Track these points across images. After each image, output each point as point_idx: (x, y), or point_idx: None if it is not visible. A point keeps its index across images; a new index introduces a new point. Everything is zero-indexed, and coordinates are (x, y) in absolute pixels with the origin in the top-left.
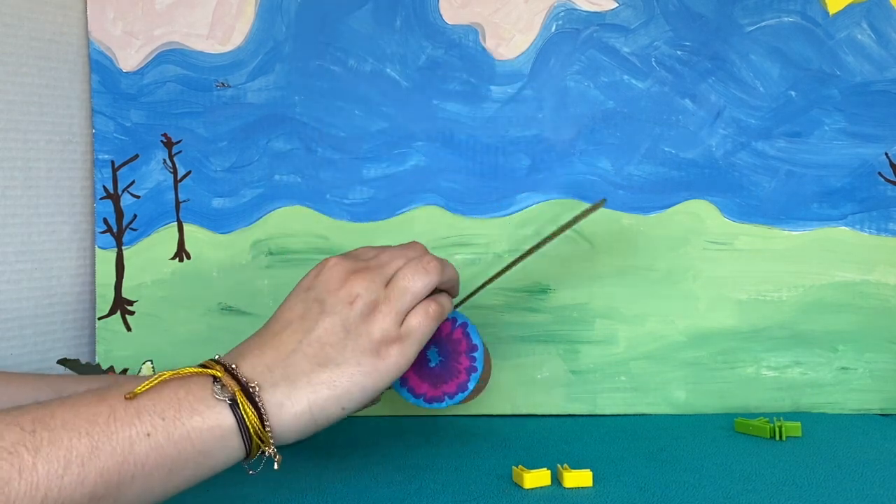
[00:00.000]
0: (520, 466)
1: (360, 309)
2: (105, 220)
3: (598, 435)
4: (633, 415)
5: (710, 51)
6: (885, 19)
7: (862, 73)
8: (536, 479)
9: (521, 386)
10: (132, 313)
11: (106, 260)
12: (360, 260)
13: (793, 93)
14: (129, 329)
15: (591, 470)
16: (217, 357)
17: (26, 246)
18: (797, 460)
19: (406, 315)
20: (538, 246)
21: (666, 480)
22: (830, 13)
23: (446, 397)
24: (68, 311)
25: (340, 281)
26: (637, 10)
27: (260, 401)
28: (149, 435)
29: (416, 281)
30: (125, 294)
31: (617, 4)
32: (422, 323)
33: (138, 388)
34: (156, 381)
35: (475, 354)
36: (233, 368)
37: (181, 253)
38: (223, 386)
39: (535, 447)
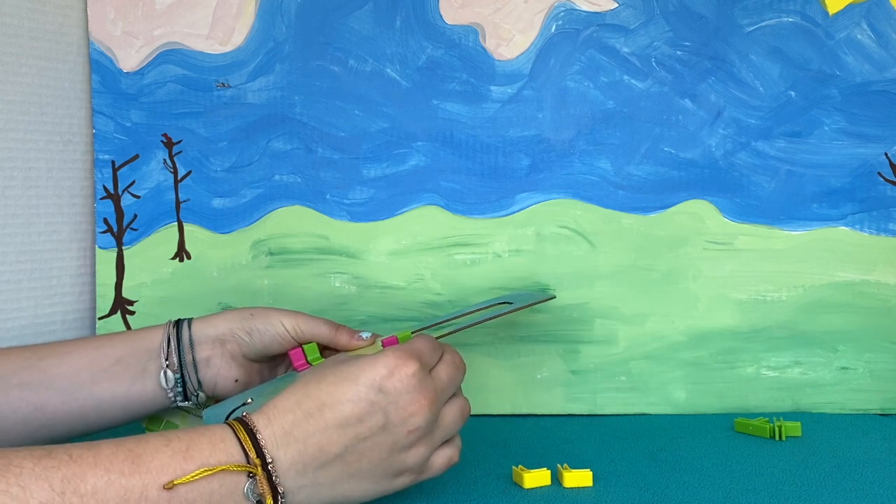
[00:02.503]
0: (520, 466)
1: (412, 439)
2: (105, 220)
3: (598, 435)
4: (633, 415)
5: (710, 51)
6: (885, 19)
7: (862, 73)
8: (536, 479)
9: (521, 386)
10: (132, 313)
11: (106, 260)
12: (427, 375)
13: (793, 93)
14: (129, 329)
15: (591, 470)
16: (263, 415)
17: (26, 246)
18: (797, 460)
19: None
20: (485, 319)
21: (666, 480)
22: (830, 13)
23: None
24: (68, 311)
25: (410, 402)
26: (637, 10)
27: (283, 502)
28: None
29: (460, 422)
30: (125, 294)
31: (617, 4)
32: (442, 466)
33: (177, 480)
34: (198, 476)
35: None
36: (270, 465)
37: (181, 253)
38: (255, 485)
39: (535, 447)
